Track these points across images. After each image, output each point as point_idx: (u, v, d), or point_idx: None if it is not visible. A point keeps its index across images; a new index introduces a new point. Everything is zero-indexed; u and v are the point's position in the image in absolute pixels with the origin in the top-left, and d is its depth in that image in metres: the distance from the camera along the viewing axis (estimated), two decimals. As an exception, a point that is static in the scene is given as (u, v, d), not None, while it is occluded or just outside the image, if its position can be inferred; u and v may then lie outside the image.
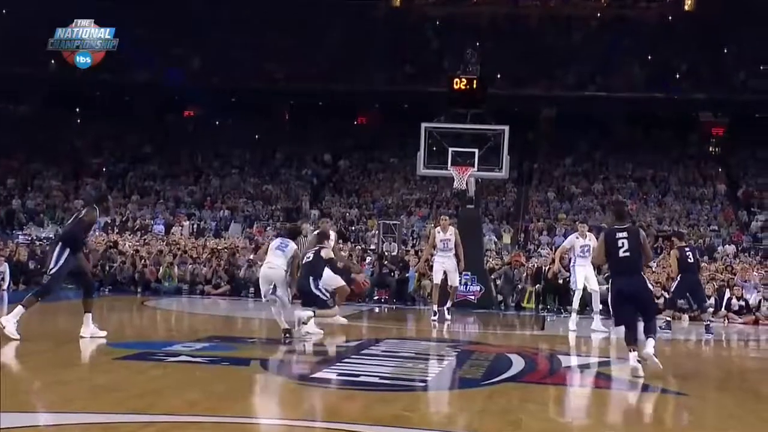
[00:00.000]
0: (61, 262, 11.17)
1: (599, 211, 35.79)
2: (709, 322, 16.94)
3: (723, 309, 20.96)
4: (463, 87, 21.97)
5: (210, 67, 43.70)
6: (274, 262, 12.17)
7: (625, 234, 9.99)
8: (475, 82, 21.98)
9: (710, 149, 44.48)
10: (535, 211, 37.02)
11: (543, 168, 41.83)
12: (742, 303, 21.13)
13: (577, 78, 43.90)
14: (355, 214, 36.36)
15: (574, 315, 16.28)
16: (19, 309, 10.98)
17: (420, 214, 36.17)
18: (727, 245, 32.45)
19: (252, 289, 21.37)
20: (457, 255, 16.92)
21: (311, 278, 12.35)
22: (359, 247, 28.58)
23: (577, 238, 16.24)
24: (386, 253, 24.23)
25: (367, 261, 24.48)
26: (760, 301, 21.21)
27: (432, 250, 17.37)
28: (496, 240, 32.79)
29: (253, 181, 39.86)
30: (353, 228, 34.63)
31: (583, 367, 11.30)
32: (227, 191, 38.79)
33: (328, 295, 12.46)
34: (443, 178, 34.21)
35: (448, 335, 14.98)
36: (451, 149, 21.09)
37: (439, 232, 17.07)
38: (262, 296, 12.44)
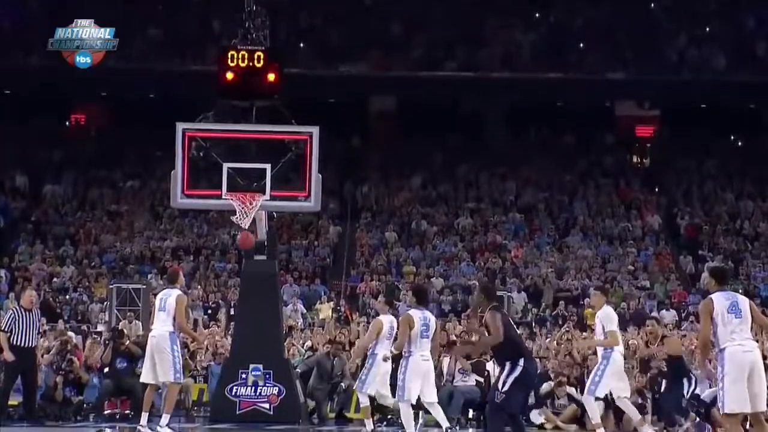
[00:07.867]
0: None
1: (467, 262, 36.42)
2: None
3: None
4: (243, 65, 22.03)
5: None
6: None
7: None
8: (262, 57, 22.07)
9: (634, 159, 46.20)
10: (366, 262, 37.45)
11: (378, 193, 42.42)
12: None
13: (428, 49, 44.73)
14: (70, 273, 35.72)
15: None
16: None
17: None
18: (663, 310, 33.58)
19: None
20: None
21: None
22: (84, 327, 28.10)
23: None
24: (125, 336, 23.89)
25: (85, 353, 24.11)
26: (715, 398, 21.64)
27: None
28: (304, 310, 32.88)
29: None
30: (68, 297, 33.99)
31: None
32: None
33: None
34: (217, 213, 34.11)
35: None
36: (227, 165, 21.09)
37: None
38: None
